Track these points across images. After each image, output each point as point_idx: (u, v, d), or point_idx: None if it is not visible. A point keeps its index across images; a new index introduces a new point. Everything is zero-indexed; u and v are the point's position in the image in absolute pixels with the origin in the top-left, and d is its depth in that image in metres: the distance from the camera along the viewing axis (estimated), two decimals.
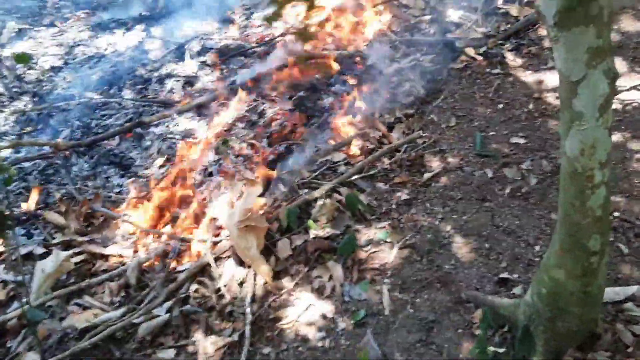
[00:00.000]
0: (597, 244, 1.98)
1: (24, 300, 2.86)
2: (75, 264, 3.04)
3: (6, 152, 3.95)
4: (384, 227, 3.09)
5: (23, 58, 2.29)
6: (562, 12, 1.64)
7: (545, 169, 3.33)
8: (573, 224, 1.98)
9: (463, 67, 4.35)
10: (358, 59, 4.29)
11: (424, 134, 3.66)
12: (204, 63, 4.67)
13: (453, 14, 4.74)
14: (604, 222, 1.96)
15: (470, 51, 4.43)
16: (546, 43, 4.44)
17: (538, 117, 3.75)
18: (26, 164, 3.84)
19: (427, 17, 4.75)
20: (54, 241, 3.24)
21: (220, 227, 3.08)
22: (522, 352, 2.28)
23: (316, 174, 3.37)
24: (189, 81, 4.48)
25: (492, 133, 3.68)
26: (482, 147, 3.54)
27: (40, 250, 3.19)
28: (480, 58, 4.39)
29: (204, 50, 4.84)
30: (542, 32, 4.62)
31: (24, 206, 3.45)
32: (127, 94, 4.46)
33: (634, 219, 2.91)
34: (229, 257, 2.98)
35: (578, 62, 1.71)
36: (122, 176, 3.65)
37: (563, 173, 1.94)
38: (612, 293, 2.51)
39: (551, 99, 3.88)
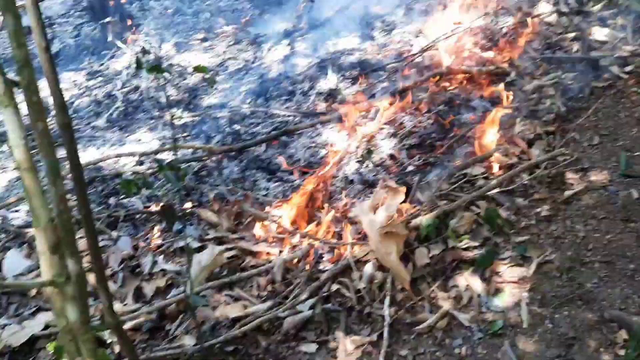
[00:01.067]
0: None
1: (184, 288, 3.18)
2: (227, 258, 3.31)
3: (163, 155, 4.36)
4: (523, 241, 3.11)
5: (202, 69, 2.57)
6: None
7: None
8: None
9: (607, 85, 4.25)
10: (498, 75, 4.33)
11: (565, 152, 3.64)
12: (345, 77, 4.89)
13: (598, 32, 4.64)
14: None
15: (615, 69, 4.33)
16: None
17: None
18: (182, 166, 4.21)
19: (571, 35, 4.68)
20: (208, 237, 3.54)
21: (361, 232, 3.24)
22: None
23: (455, 186, 3.45)
24: (331, 94, 4.71)
25: (638, 153, 3.59)
26: (627, 167, 3.46)
27: (195, 244, 3.50)
28: (626, 77, 4.28)
29: (345, 65, 5.07)
30: None
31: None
32: (273, 104, 4.76)
33: None
34: (368, 261, 3.13)
35: None
36: (269, 180, 3.91)
37: None
38: None
39: None
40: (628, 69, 4.32)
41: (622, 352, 2.49)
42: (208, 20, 7.07)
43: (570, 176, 3.49)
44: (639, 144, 3.66)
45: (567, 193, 3.36)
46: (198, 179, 4.07)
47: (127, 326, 2.92)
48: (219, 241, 3.47)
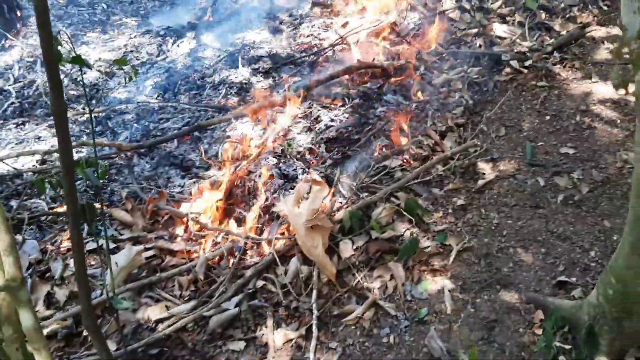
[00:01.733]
0: None
1: (100, 291, 3.03)
2: (146, 259, 3.18)
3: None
4: (442, 230, 3.21)
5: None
6: None
7: (596, 178, 3.43)
8: None
9: (509, 79, 4.47)
10: (408, 69, 4.42)
11: (476, 143, 3.78)
12: (256, 70, 4.83)
13: (498, 28, 4.86)
14: None
15: (516, 64, 4.55)
16: (590, 57, 4.55)
17: (586, 129, 3.85)
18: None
19: (473, 31, 4.87)
20: (122, 237, 3.39)
21: (285, 227, 3.21)
22: (586, 351, 2.39)
23: (374, 178, 3.50)
24: (243, 87, 4.64)
25: (541, 143, 3.79)
26: (532, 156, 3.65)
27: (109, 245, 3.34)
28: (525, 71, 4.51)
29: (255, 59, 5.00)
30: (585, 46, 4.74)
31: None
32: (183, 98, 4.63)
33: None
34: (293, 255, 3.11)
35: None
36: (183, 177, 3.79)
37: (636, 176, 2.06)
38: None
39: (598, 111, 3.99)
40: (527, 63, 4.56)
41: (539, 332, 2.62)
42: (105, 11, 6.77)
43: (482, 166, 3.63)
44: (541, 134, 3.87)
45: (480, 182, 3.50)
46: (108, 178, 3.89)
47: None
48: (135, 241, 3.33)
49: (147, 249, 3.24)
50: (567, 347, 2.44)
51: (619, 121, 3.85)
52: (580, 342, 2.42)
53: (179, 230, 3.38)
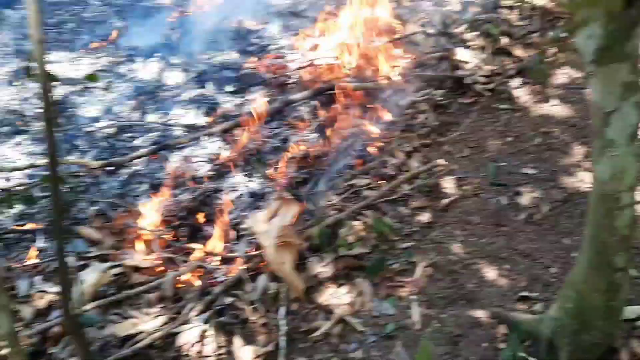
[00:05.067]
0: (623, 260, 2.19)
1: (70, 308, 3.00)
2: (113, 276, 3.18)
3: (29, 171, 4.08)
4: (408, 247, 3.28)
5: (93, 77, 2.47)
6: (600, 50, 1.86)
7: (556, 197, 3.55)
8: (601, 242, 2.19)
9: (473, 101, 4.59)
10: (376, 91, 4.52)
11: (441, 163, 3.87)
12: (223, 91, 4.88)
13: (461, 53, 4.99)
14: (629, 240, 2.17)
15: (479, 87, 4.68)
16: (549, 81, 4.72)
17: (546, 150, 3.98)
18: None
19: (437, 55, 5.00)
20: (90, 254, 3.37)
21: (254, 243, 3.24)
22: None
23: (343, 197, 3.56)
24: (212, 107, 4.68)
25: (504, 163, 3.90)
26: (495, 176, 3.76)
27: (76, 263, 3.32)
28: (488, 94, 4.64)
29: (223, 79, 5.05)
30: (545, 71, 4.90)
31: None
32: (151, 117, 4.64)
33: None
34: (261, 272, 3.14)
35: (612, 95, 1.93)
36: (152, 195, 3.80)
37: (593, 195, 2.16)
38: (626, 311, 2.70)
39: (557, 133, 4.12)
40: (490, 86, 4.69)
41: (502, 346, 2.69)
42: (73, 31, 6.73)
43: (446, 185, 3.72)
44: (504, 155, 3.98)
45: (445, 201, 3.58)
46: (76, 195, 3.86)
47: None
48: (103, 259, 3.32)
49: (114, 266, 3.23)
50: (531, 358, 2.51)
51: (576, 142, 3.99)
52: (541, 355, 2.50)
53: (146, 248, 3.38)
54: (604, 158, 2.05)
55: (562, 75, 4.78)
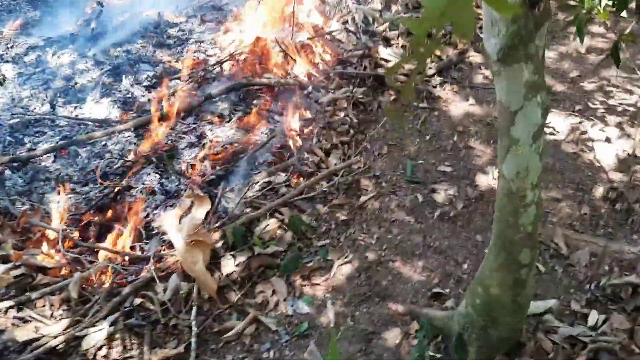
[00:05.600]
0: (527, 257, 2.22)
1: None
2: (14, 277, 3.00)
3: None
4: (324, 245, 3.25)
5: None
6: (504, 49, 1.87)
7: (470, 195, 3.60)
8: (507, 239, 2.21)
9: (392, 100, 4.62)
10: (296, 87, 4.47)
11: (359, 160, 3.87)
12: (140, 84, 4.71)
13: (383, 51, 5.02)
14: (534, 237, 2.21)
15: (399, 86, 4.71)
16: (467, 81, 4.80)
17: (462, 149, 4.04)
18: None
19: (359, 53, 5.00)
20: None
21: (166, 242, 3.13)
22: (456, 358, 2.48)
23: (259, 194, 3.49)
24: (125, 101, 4.50)
25: (421, 161, 3.93)
26: (412, 173, 3.78)
27: None
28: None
29: (139, 72, 4.88)
30: (463, 71, 4.99)
31: None
32: (61, 111, 4.43)
33: (549, 242, 3.21)
34: (172, 272, 3.04)
35: (517, 94, 1.95)
36: (59, 193, 3.62)
37: (500, 193, 2.18)
38: (533, 306, 2.75)
39: (473, 132, 4.20)
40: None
41: (415, 342, 2.70)
42: None
43: (364, 183, 3.72)
44: (422, 153, 4.02)
45: (362, 199, 3.57)
46: None
47: None
48: (3, 259, 3.13)
49: (15, 267, 3.05)
50: (439, 355, 2.52)
51: (492, 141, 4.07)
52: (451, 350, 2.51)
53: (51, 247, 3.21)
54: (509, 156, 2.06)
55: (480, 76, 4.87)
